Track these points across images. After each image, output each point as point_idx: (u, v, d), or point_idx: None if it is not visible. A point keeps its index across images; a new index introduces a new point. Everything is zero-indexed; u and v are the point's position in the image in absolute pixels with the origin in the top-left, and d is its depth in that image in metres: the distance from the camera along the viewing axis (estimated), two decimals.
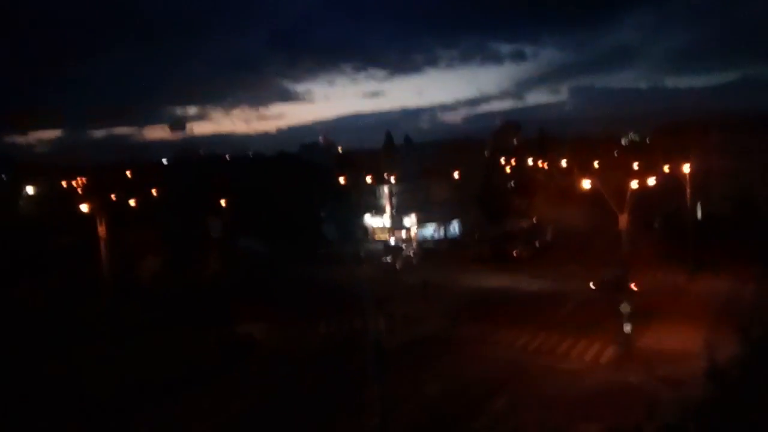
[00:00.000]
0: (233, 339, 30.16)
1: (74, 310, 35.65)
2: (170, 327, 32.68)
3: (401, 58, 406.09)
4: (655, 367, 24.67)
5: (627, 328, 26.65)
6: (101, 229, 40.61)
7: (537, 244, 57.13)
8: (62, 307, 36.21)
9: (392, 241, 67.06)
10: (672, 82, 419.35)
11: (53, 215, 55.00)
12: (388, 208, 71.97)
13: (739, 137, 49.47)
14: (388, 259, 55.64)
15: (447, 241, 65.43)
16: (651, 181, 38.56)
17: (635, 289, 30.54)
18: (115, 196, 60.94)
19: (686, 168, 42.42)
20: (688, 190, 41.62)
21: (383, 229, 72.03)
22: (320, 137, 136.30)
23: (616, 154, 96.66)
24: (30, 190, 64.83)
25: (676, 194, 44.52)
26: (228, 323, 32.13)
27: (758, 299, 33.19)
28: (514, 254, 52.34)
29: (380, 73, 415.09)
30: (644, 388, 22.89)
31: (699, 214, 50.11)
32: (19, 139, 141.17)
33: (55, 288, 39.56)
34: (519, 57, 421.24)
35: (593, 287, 38.24)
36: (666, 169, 50.17)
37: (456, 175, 75.25)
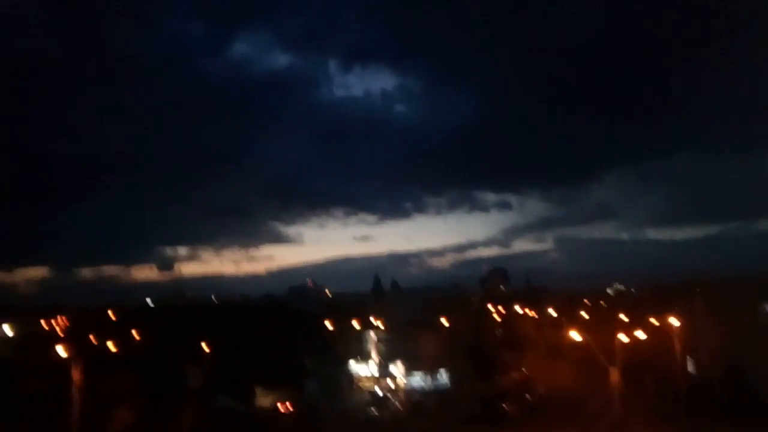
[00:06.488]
0: None
1: None
2: None
3: (391, 205, 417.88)
4: None
5: None
6: (76, 375, 39.17)
7: (529, 400, 55.50)
8: None
9: (378, 391, 64.72)
10: (654, 234, 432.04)
11: (28, 358, 53.15)
12: (374, 356, 70.32)
13: (722, 297, 50.35)
14: (374, 410, 53.43)
15: (435, 393, 63.18)
16: (640, 336, 38.44)
17: None
18: (95, 339, 59.38)
19: (674, 322, 42.54)
20: (678, 348, 41.45)
21: (369, 377, 69.80)
22: (308, 280, 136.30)
23: (603, 305, 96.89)
24: (7, 330, 63.06)
25: (666, 350, 44.16)
26: None
27: None
28: (506, 410, 50.54)
29: (370, 218, 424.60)
30: None
31: (690, 371, 49.45)
32: (5, 277, 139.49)
33: None
34: (504, 206, 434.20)
35: None
36: (654, 322, 50.25)
37: (444, 322, 74.59)
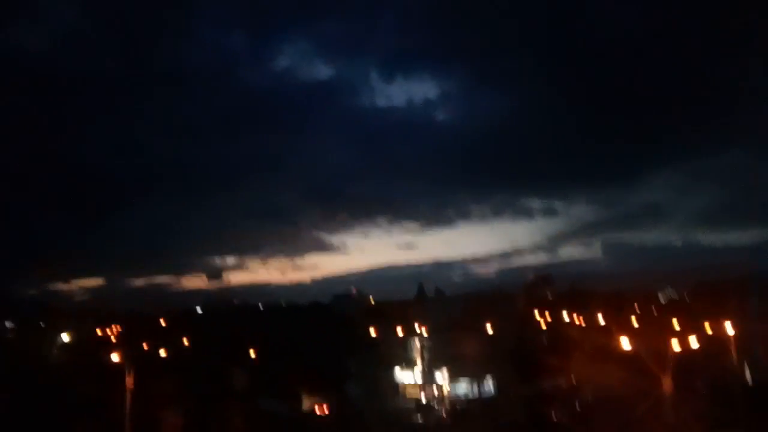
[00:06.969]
0: None
1: None
2: None
3: (434, 212, 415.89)
4: None
5: None
6: (128, 380, 40.39)
7: (575, 406, 54.19)
8: None
9: (423, 399, 64.32)
10: (706, 238, 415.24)
11: (83, 364, 55.06)
12: (419, 362, 69.94)
13: None
14: (419, 418, 53.14)
15: (481, 400, 62.37)
16: (693, 342, 37.09)
17: None
18: (146, 345, 61.05)
19: (729, 328, 40.82)
20: (734, 354, 39.83)
21: (414, 385, 69.41)
22: (352, 289, 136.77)
23: (653, 312, 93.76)
24: (64, 337, 65.51)
25: (721, 356, 42.43)
26: None
27: None
28: (551, 417, 49.45)
29: (413, 225, 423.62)
30: None
31: (749, 379, 47.42)
32: (62, 287, 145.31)
33: None
34: (550, 212, 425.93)
35: None
36: (708, 328, 48.43)
37: (489, 328, 73.57)
